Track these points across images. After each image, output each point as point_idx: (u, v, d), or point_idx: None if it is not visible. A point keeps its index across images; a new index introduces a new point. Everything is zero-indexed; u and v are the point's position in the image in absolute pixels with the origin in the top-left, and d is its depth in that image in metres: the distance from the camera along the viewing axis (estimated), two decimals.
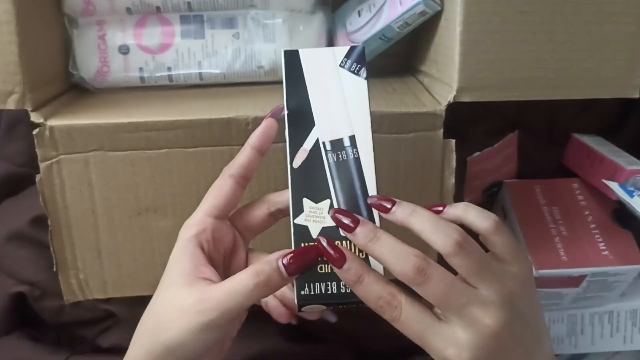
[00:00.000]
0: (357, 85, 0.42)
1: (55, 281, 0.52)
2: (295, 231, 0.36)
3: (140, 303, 0.57)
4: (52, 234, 0.50)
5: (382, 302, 0.34)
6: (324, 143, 0.39)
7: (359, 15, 0.56)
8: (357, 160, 0.40)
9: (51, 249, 0.51)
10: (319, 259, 0.36)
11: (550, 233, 0.62)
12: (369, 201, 0.38)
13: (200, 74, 0.57)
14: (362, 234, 0.35)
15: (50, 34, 0.54)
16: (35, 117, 0.47)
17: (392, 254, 0.34)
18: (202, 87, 0.58)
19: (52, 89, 0.53)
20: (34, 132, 0.47)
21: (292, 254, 0.35)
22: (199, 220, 0.39)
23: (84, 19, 0.56)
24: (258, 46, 0.57)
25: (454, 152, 0.51)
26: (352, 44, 0.56)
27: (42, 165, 0.49)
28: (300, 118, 0.40)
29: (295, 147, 0.39)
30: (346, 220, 0.36)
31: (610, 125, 0.68)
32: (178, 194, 0.51)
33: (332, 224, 0.37)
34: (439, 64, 0.53)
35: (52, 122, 0.48)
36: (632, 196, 0.56)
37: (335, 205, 0.38)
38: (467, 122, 0.62)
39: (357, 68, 0.42)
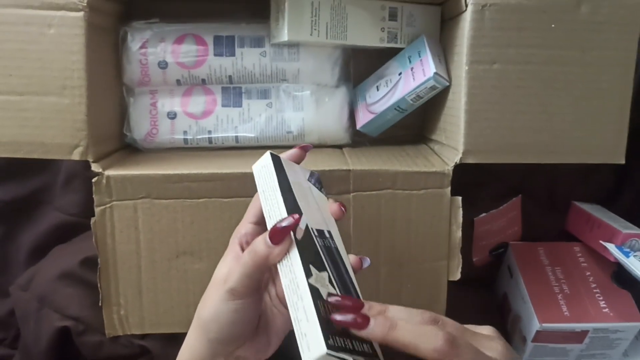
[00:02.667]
0: (322, 197, 0.50)
1: (98, 317, 0.58)
2: (310, 289, 0.37)
3: (172, 340, 0.62)
4: (100, 272, 0.56)
5: (432, 335, 0.33)
6: (312, 228, 0.44)
7: (377, 90, 0.64)
8: (337, 250, 0.45)
9: (98, 285, 0.56)
10: (295, 225, 0.39)
11: (554, 291, 0.66)
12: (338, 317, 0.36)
13: (236, 137, 0.65)
14: (378, 327, 0.34)
15: (111, 99, 0.63)
16: (95, 167, 0.55)
17: (416, 334, 0.33)
18: (237, 148, 0.65)
19: (108, 146, 0.61)
20: (93, 180, 0.55)
21: (271, 229, 0.40)
22: (241, 225, 0.47)
23: (140, 89, 0.64)
24: (288, 114, 0.65)
25: (460, 208, 0.57)
26: (371, 113, 0.64)
27: (97, 210, 0.55)
28: (293, 204, 0.43)
29: None
30: (351, 318, 0.35)
31: (606, 195, 0.73)
32: (213, 240, 0.57)
33: (334, 290, 0.39)
34: (447, 131, 0.60)
35: (109, 172, 0.55)
36: (628, 257, 0.61)
37: (332, 277, 0.40)
38: (474, 186, 0.68)
39: (319, 187, 0.51)
